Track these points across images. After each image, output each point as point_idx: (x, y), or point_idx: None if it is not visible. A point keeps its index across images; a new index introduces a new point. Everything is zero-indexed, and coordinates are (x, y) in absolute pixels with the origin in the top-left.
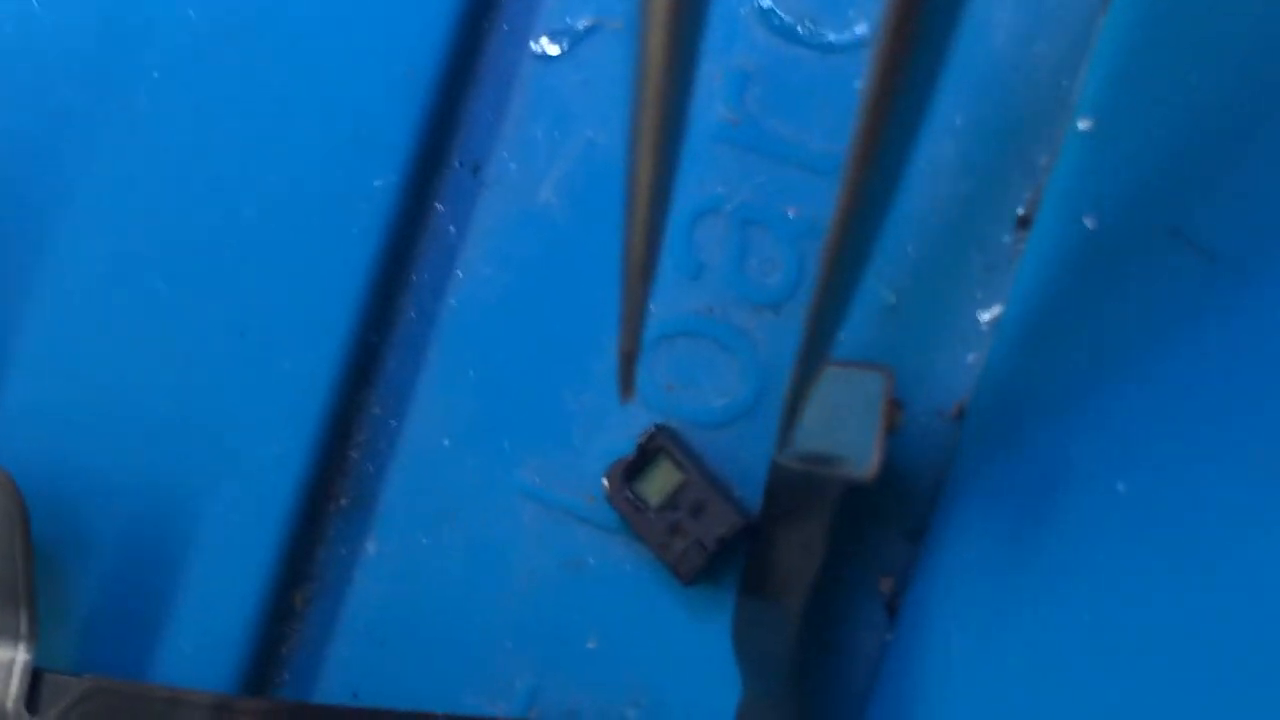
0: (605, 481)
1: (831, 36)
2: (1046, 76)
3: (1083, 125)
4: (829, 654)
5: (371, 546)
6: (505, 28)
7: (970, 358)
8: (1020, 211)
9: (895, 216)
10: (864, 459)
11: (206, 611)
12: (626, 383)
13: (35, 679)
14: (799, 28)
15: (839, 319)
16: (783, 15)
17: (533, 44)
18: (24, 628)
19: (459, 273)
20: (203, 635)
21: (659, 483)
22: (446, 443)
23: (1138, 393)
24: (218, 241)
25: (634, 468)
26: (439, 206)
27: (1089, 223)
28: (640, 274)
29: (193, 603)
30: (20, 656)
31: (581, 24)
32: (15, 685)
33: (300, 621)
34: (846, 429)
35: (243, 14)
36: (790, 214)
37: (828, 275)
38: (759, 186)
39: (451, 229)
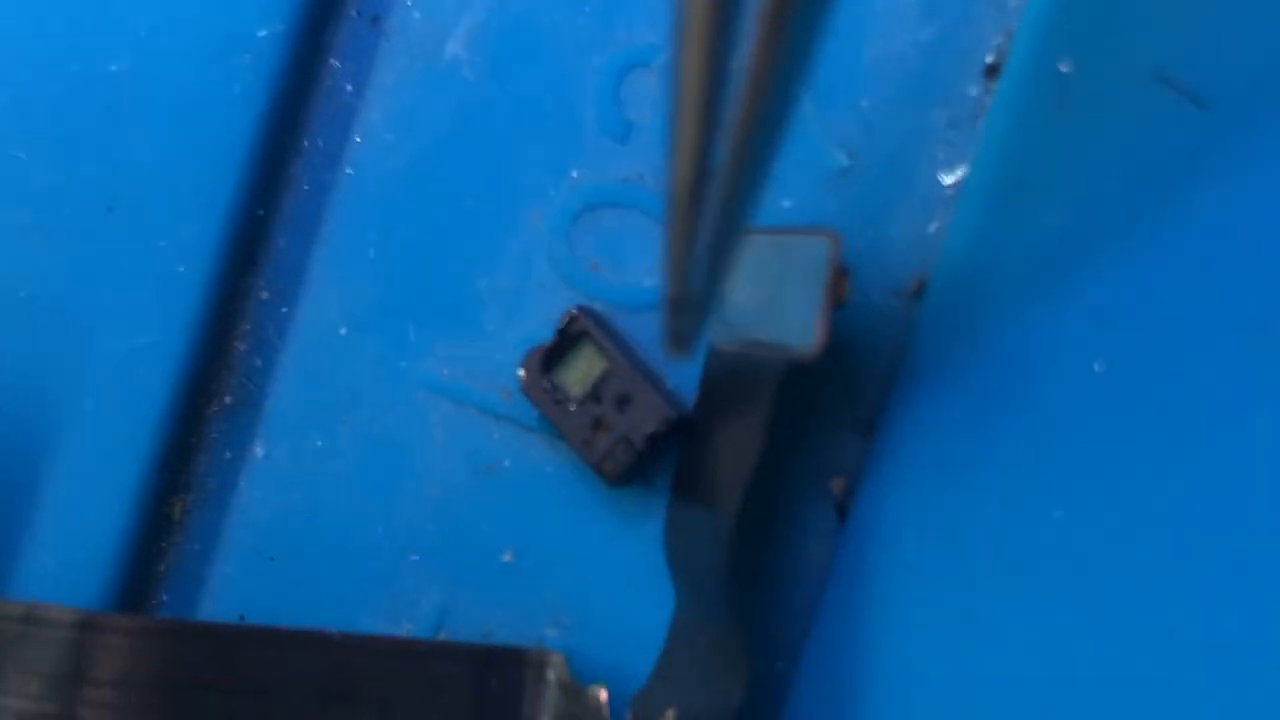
0: (521, 371)
1: None
2: None
3: None
4: (773, 561)
5: (259, 449)
6: None
7: (931, 226)
8: (988, 59)
9: (847, 68)
10: (806, 336)
11: (72, 522)
12: (674, 337)
13: None
14: None
15: (757, 186)
16: None
17: None
18: None
19: (357, 137)
20: (68, 549)
21: (581, 371)
22: (343, 331)
23: (1120, 260)
24: (81, 101)
25: (553, 355)
26: (334, 62)
27: (1064, 68)
28: (688, 199)
29: (56, 512)
30: None
31: None
32: None
33: (180, 534)
34: (787, 304)
35: None
36: (731, 65)
37: (743, 136)
38: None
39: (348, 87)
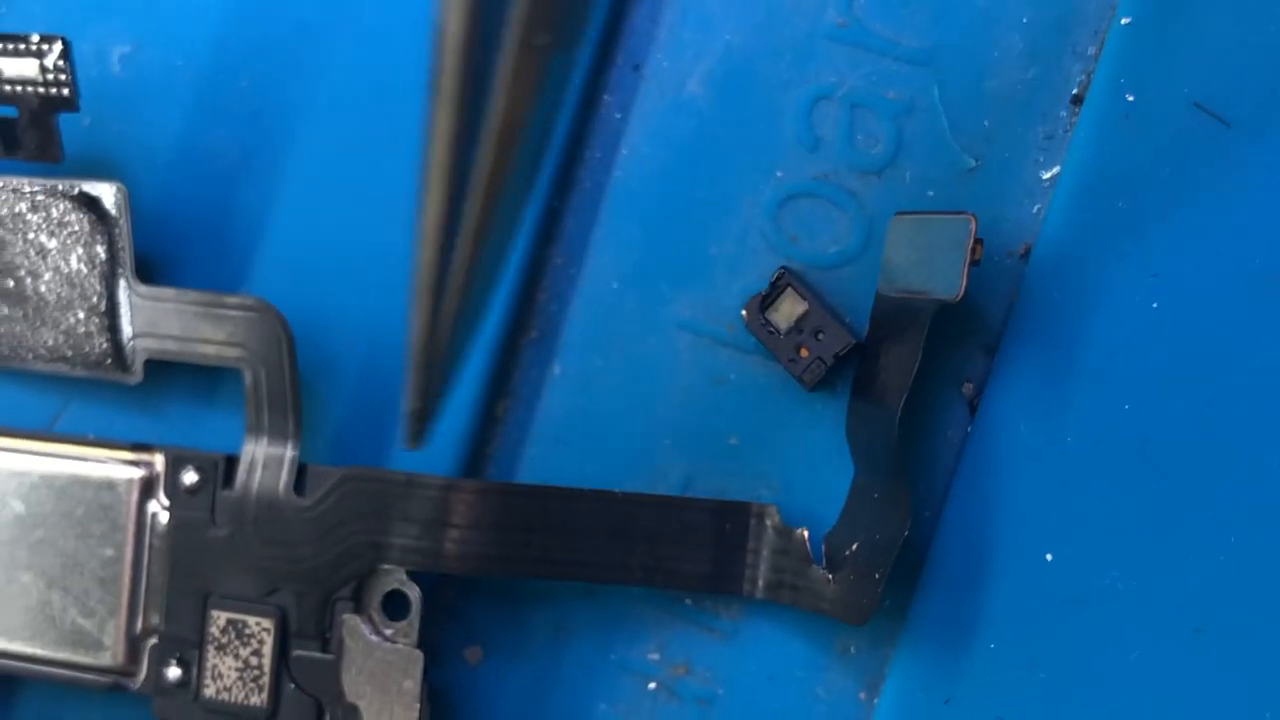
0: (744, 312)
1: None
2: None
3: (1124, 21)
4: (923, 442)
5: (557, 368)
6: None
7: (1035, 208)
8: (1074, 91)
9: (975, 96)
10: (952, 286)
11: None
12: (411, 435)
13: (301, 470)
14: None
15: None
16: None
17: None
18: (292, 430)
19: (624, 150)
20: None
21: (786, 311)
22: (615, 285)
23: (1169, 236)
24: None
25: (766, 300)
26: (607, 98)
27: (1129, 98)
28: (424, 346)
29: None
30: (289, 453)
31: None
32: (285, 475)
33: (502, 426)
34: (936, 265)
35: None
36: (890, 97)
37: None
38: (865, 76)
39: (618, 115)
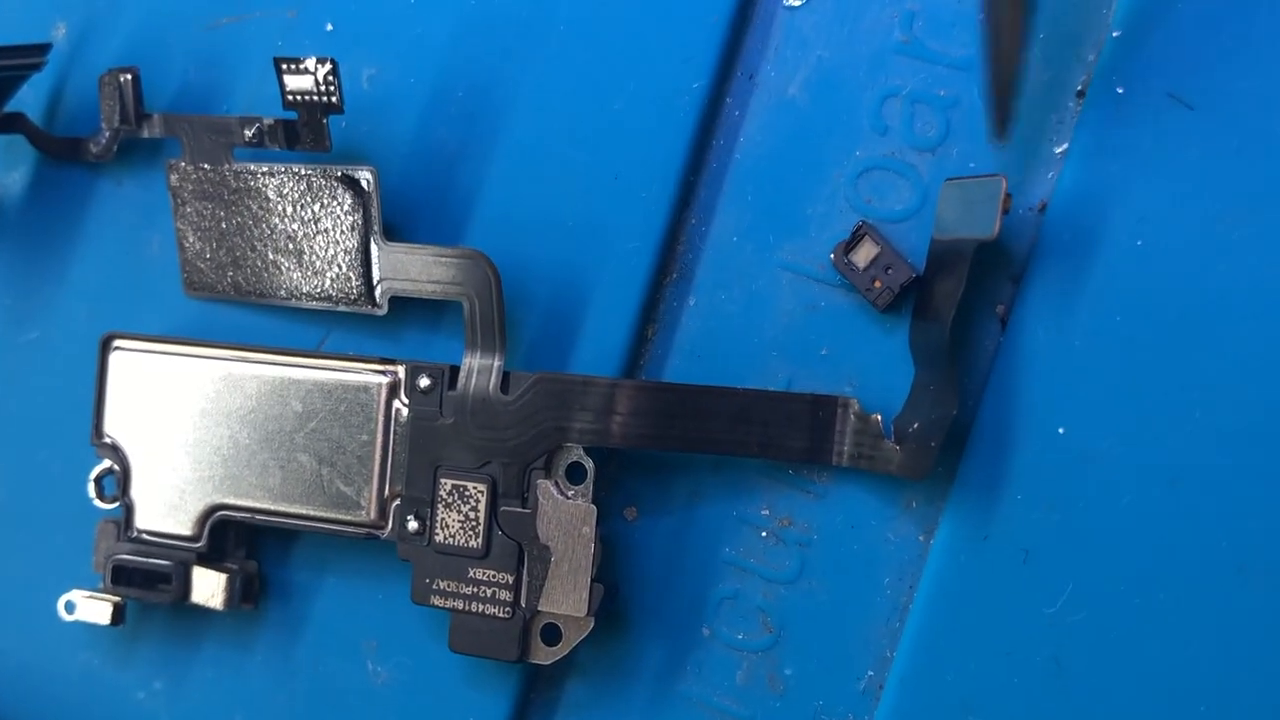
0: (832, 255)
1: None
2: (1095, 5)
3: (1115, 34)
4: (966, 349)
5: (691, 300)
6: None
7: (1049, 174)
8: (1078, 87)
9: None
10: (988, 228)
11: (599, 339)
12: (999, 121)
13: (505, 375)
14: None
15: None
16: None
17: (784, 2)
18: (498, 346)
19: (741, 139)
20: (597, 353)
21: (864, 254)
22: (735, 238)
23: (1150, 189)
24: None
25: (849, 246)
26: (728, 100)
27: (1119, 90)
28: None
29: (591, 336)
30: (496, 362)
31: None
32: (494, 379)
33: (651, 345)
34: (977, 214)
35: None
36: (941, 94)
37: None
38: (922, 79)
39: (736, 113)
